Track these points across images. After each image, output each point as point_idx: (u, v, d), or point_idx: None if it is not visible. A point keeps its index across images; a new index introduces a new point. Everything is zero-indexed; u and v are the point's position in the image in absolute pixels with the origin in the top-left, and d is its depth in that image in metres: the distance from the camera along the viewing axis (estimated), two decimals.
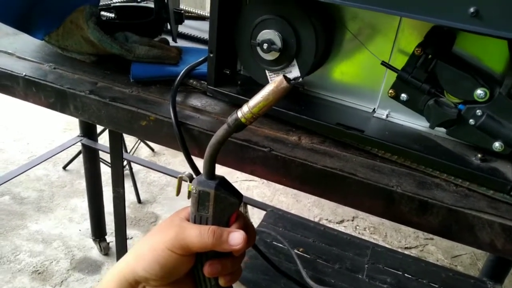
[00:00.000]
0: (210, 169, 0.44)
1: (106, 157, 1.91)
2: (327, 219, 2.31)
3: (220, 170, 0.54)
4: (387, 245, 2.13)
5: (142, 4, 1.04)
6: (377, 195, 0.46)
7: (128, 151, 2.35)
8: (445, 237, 0.45)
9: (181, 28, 0.90)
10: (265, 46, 0.53)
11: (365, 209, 0.48)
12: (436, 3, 0.39)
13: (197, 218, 0.44)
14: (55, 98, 0.62)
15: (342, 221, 2.31)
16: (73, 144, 1.68)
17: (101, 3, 0.92)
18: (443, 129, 0.50)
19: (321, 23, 0.53)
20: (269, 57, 0.54)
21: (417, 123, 0.53)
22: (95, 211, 1.80)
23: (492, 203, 0.44)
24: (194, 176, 0.46)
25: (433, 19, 0.40)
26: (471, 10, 0.37)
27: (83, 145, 1.63)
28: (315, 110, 0.56)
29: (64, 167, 2.43)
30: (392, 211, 0.46)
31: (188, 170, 0.52)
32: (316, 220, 2.28)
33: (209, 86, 0.59)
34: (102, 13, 0.94)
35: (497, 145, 0.45)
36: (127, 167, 2.25)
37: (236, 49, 0.58)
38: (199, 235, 0.42)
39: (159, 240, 0.43)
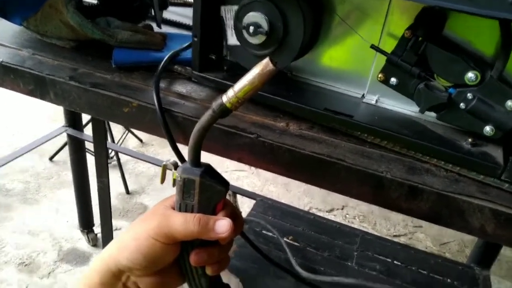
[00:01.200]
0: (195, 156, 0.42)
1: (93, 147, 1.88)
2: (317, 208, 2.32)
3: (211, 158, 0.52)
4: (376, 233, 2.14)
5: None
6: (366, 181, 0.45)
7: (116, 141, 2.32)
8: (435, 223, 0.44)
9: (166, 14, 0.88)
10: (251, 29, 0.51)
11: (354, 195, 0.47)
12: None
13: (183, 206, 0.43)
14: (34, 85, 0.59)
15: (332, 210, 2.32)
16: (58, 135, 1.65)
17: None
18: (433, 114, 0.49)
19: (309, 6, 0.51)
20: (255, 40, 0.53)
21: (407, 108, 0.52)
22: (82, 202, 1.77)
23: (483, 188, 0.43)
24: (180, 163, 0.45)
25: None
26: None
27: (68, 135, 1.60)
28: (303, 95, 0.55)
29: (51, 158, 2.40)
30: (382, 197, 0.45)
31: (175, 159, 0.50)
32: (306, 209, 2.28)
33: (194, 72, 0.57)
34: None
35: (487, 129, 0.44)
36: (114, 158, 2.22)
37: (222, 33, 0.56)
38: (184, 223, 0.41)
39: (142, 229, 0.41)
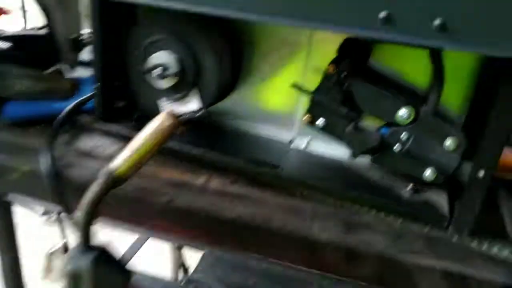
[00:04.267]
0: (86, 237, 0.34)
1: None
2: None
3: None
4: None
5: (41, 32, 0.93)
6: (299, 246, 0.38)
7: None
8: (381, 287, 0.37)
9: (85, 55, 0.80)
10: (157, 71, 0.44)
11: (288, 261, 0.40)
12: (343, 10, 0.33)
13: None
14: None
15: None
16: None
17: None
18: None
19: (226, 43, 0.46)
20: (164, 84, 0.45)
21: (340, 151, 0.46)
22: None
23: (429, 242, 0.37)
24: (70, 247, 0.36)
25: (342, 28, 0.34)
26: (382, 15, 0.31)
27: None
28: (226, 143, 0.48)
29: None
30: (318, 262, 0.38)
31: None
32: None
33: (94, 124, 0.49)
34: None
35: (428, 173, 0.38)
36: None
37: (127, 76, 0.49)
38: None
39: None
